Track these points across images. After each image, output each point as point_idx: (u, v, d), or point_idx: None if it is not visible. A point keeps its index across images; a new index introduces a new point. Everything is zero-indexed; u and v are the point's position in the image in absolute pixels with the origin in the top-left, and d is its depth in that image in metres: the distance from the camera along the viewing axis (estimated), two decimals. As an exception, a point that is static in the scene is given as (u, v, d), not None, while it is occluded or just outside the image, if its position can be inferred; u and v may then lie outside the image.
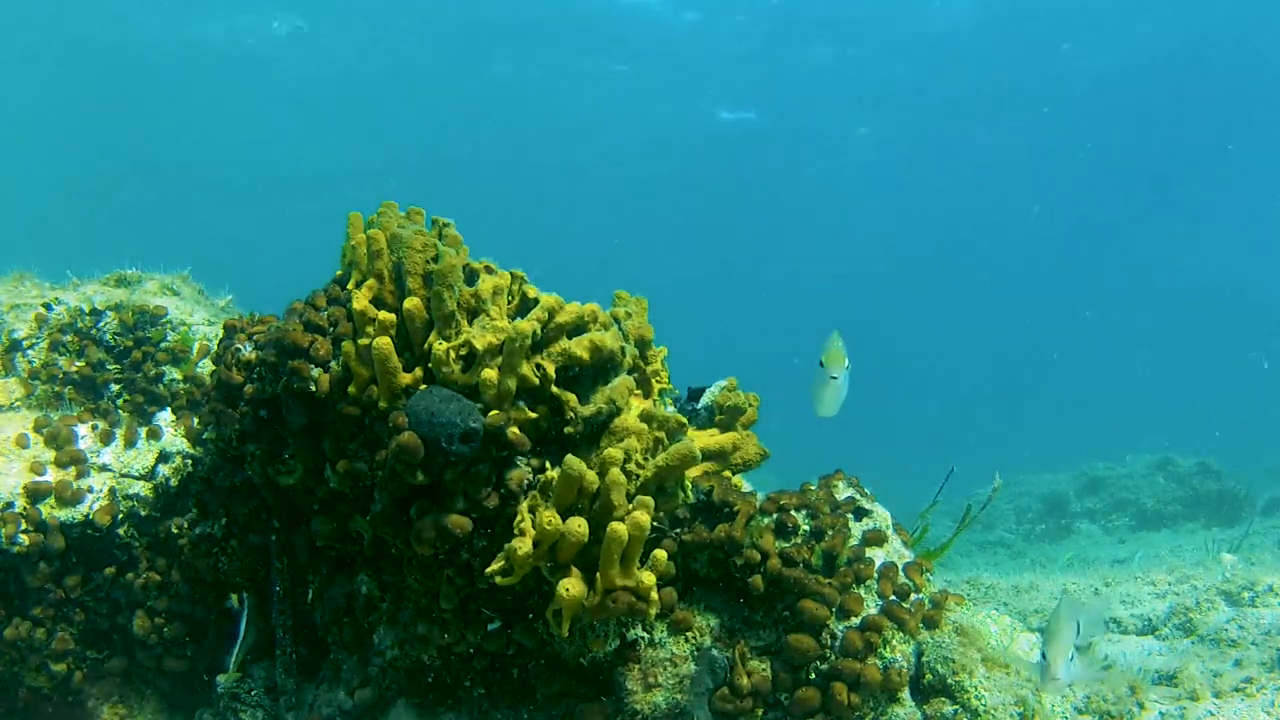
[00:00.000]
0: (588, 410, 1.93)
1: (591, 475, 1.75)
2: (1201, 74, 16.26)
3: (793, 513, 2.11)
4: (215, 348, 2.41)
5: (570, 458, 1.73)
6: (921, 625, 2.05)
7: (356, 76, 16.47)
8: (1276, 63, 15.88)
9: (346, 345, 1.93)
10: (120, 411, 2.74)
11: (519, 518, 1.79)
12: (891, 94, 17.30)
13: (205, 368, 2.85)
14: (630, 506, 1.75)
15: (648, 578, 1.77)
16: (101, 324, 2.93)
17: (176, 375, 2.85)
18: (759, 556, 1.98)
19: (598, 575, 1.77)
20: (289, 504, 2.21)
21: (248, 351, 2.20)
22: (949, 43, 15.55)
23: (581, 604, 1.75)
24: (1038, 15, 14.94)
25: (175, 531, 2.47)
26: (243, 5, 14.40)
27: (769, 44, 16.01)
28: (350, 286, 2.10)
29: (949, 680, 2.00)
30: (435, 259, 2.00)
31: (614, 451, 1.78)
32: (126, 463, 2.60)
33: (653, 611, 1.81)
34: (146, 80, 16.17)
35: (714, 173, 20.74)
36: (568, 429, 1.95)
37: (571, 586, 1.73)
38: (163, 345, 2.90)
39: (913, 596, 2.08)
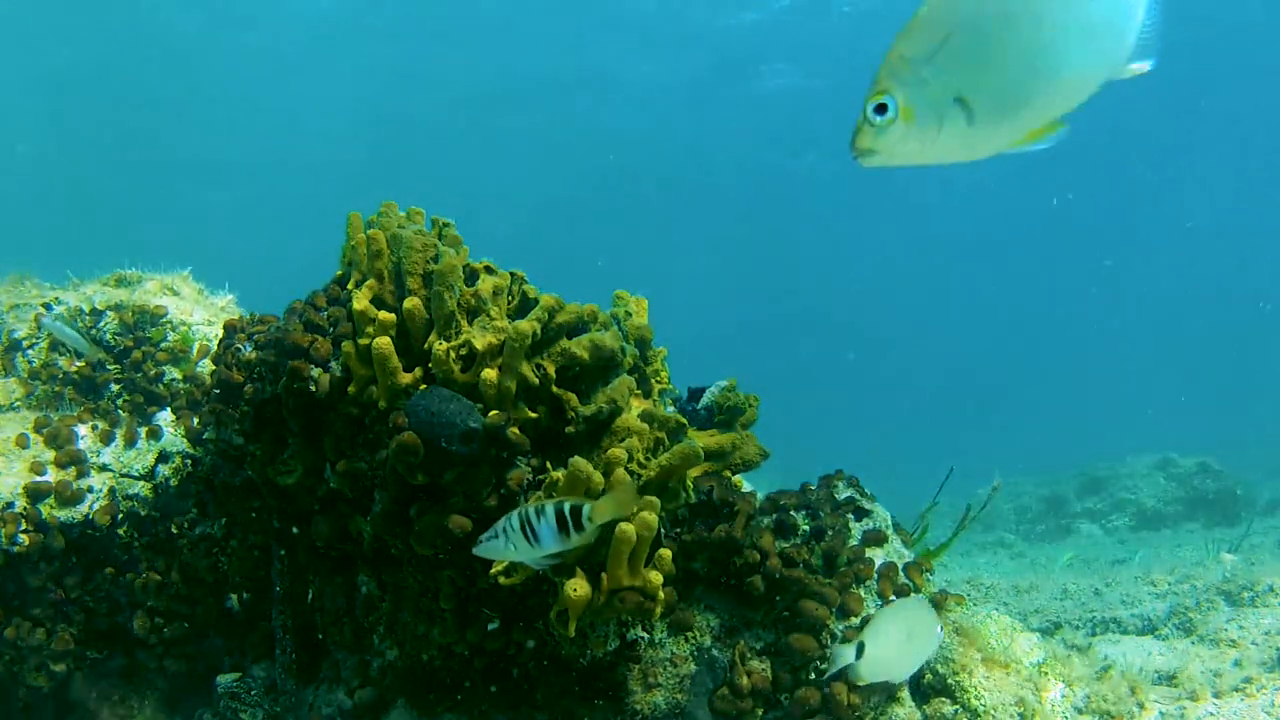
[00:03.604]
0: (588, 410, 1.93)
1: (597, 476, 1.75)
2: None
3: (793, 513, 2.11)
4: (215, 348, 2.41)
5: (577, 458, 1.73)
6: (921, 625, 2.04)
7: (359, 77, 16.48)
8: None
9: (346, 345, 1.94)
10: (120, 411, 2.74)
11: (520, 518, 1.79)
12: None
13: (205, 368, 2.85)
14: (636, 506, 1.75)
15: (655, 577, 1.77)
16: (101, 324, 2.93)
17: (176, 375, 2.85)
18: (759, 556, 1.98)
19: (603, 575, 1.77)
20: (289, 504, 2.21)
21: (248, 351, 2.20)
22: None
23: (589, 604, 1.75)
24: None
25: (175, 531, 2.47)
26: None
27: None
28: (350, 286, 2.10)
29: (949, 680, 2.00)
30: (435, 259, 2.00)
31: (617, 451, 1.78)
32: (126, 463, 2.60)
33: (659, 610, 1.81)
34: (147, 78, 16.16)
35: (708, 169, 20.73)
36: (568, 429, 1.95)
37: (579, 587, 1.73)
38: (163, 345, 2.90)
39: (913, 597, 2.08)
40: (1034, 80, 0.96)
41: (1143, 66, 0.98)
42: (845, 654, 1.74)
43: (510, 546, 1.55)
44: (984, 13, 0.93)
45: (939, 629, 1.81)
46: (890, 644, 1.74)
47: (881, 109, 0.99)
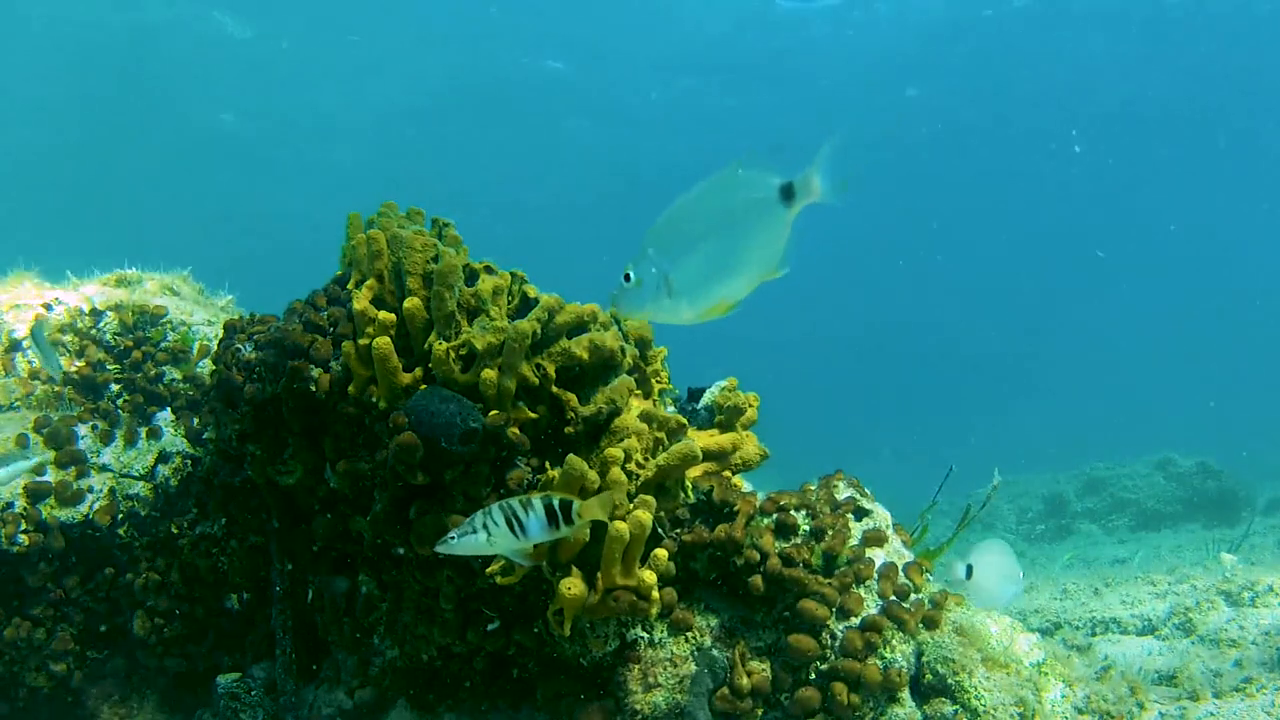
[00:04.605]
0: (588, 410, 1.93)
1: (593, 474, 1.75)
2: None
3: (792, 513, 2.11)
4: (215, 348, 2.41)
5: (572, 457, 1.73)
6: (921, 625, 2.05)
7: (360, 76, 16.47)
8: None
9: (346, 345, 1.94)
10: (120, 411, 2.74)
11: (519, 518, 1.79)
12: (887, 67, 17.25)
13: (205, 368, 2.85)
14: (631, 505, 1.75)
15: (649, 576, 1.77)
16: (101, 324, 2.93)
17: (176, 375, 2.85)
18: (759, 556, 1.98)
19: (599, 575, 1.77)
20: (289, 504, 2.21)
21: (248, 351, 2.20)
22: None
23: (583, 603, 1.76)
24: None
25: (175, 531, 2.47)
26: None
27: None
28: (350, 286, 2.10)
29: (949, 680, 2.00)
30: (435, 259, 2.00)
31: (614, 451, 1.78)
32: (126, 463, 2.60)
33: (654, 610, 1.81)
34: (147, 78, 16.16)
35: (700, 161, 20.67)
36: (568, 429, 1.95)
37: (573, 586, 1.73)
38: (163, 345, 2.90)
39: (913, 596, 2.08)
40: (712, 276, 1.40)
41: (783, 271, 1.44)
42: (957, 570, 2.02)
43: (492, 540, 1.58)
44: (688, 228, 1.38)
45: (1021, 574, 2.08)
46: (991, 573, 2.04)
47: (627, 277, 1.40)
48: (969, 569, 2.03)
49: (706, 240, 1.38)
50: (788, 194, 1.36)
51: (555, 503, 1.59)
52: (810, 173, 1.35)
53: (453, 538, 1.60)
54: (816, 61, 16.19)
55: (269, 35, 15.14)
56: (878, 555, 2.11)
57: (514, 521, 1.57)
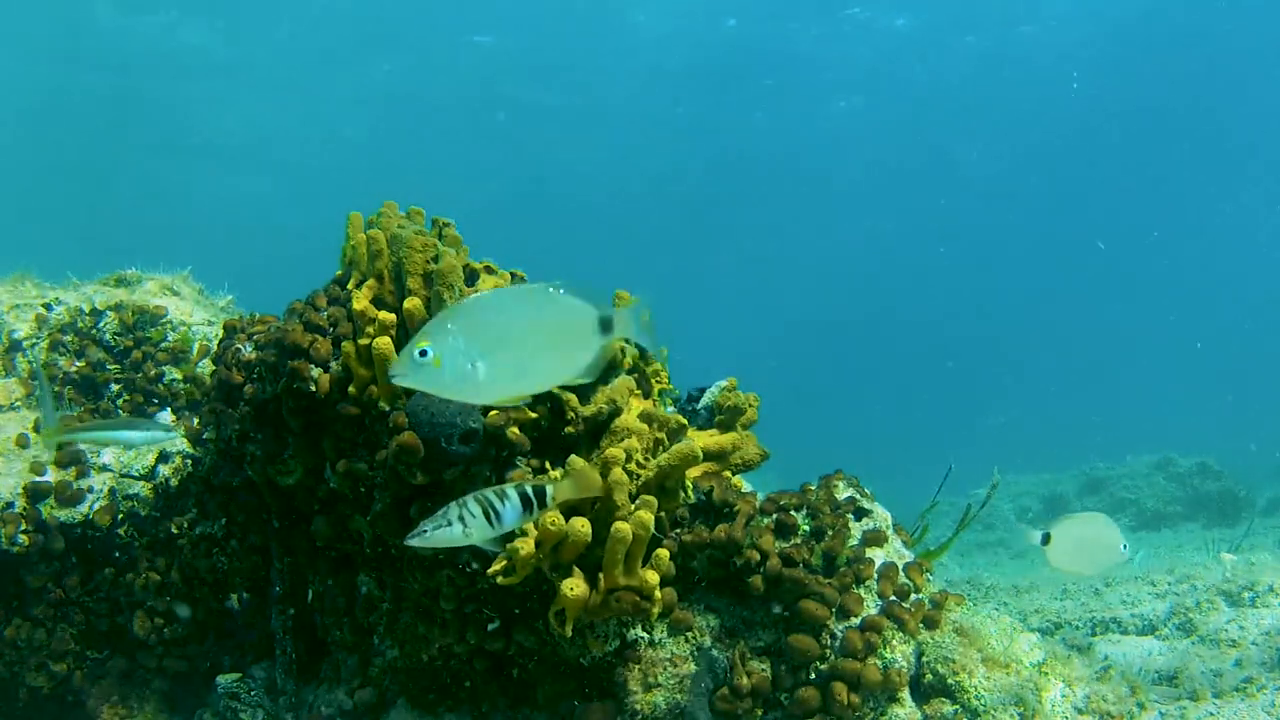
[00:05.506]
0: (588, 410, 1.93)
1: (594, 474, 1.75)
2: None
3: (792, 513, 2.11)
4: (215, 348, 2.41)
5: (574, 457, 1.73)
6: (921, 625, 2.05)
7: (360, 75, 16.47)
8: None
9: (346, 345, 1.94)
10: (120, 411, 2.74)
11: (520, 518, 1.79)
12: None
13: (205, 368, 2.85)
14: (634, 506, 1.75)
15: (651, 577, 1.77)
16: (101, 324, 2.93)
17: (176, 375, 2.85)
18: (759, 556, 1.98)
19: (601, 575, 1.77)
20: (289, 504, 2.21)
21: (248, 351, 2.20)
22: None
23: (585, 604, 1.75)
24: None
25: (175, 531, 2.47)
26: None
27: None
28: (350, 286, 2.10)
29: (949, 680, 2.00)
30: (435, 259, 2.00)
31: (615, 451, 1.78)
32: (126, 463, 2.60)
33: (656, 611, 1.81)
34: (146, 77, 16.15)
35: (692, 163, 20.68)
36: (568, 429, 1.95)
37: (575, 586, 1.73)
38: (163, 345, 2.90)
39: (913, 596, 2.08)
40: (521, 375, 1.51)
41: (589, 379, 1.59)
42: (1033, 536, 2.08)
43: (468, 532, 1.57)
44: (502, 329, 1.48)
45: (1124, 546, 2.11)
46: (1071, 539, 2.07)
47: (424, 353, 1.44)
48: (1045, 536, 2.07)
49: (523, 345, 1.50)
50: (606, 326, 1.54)
51: (529, 489, 1.60)
52: (626, 315, 1.56)
53: (425, 530, 1.55)
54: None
55: (271, 33, 15.14)
56: (878, 555, 2.11)
57: (490, 512, 1.56)
